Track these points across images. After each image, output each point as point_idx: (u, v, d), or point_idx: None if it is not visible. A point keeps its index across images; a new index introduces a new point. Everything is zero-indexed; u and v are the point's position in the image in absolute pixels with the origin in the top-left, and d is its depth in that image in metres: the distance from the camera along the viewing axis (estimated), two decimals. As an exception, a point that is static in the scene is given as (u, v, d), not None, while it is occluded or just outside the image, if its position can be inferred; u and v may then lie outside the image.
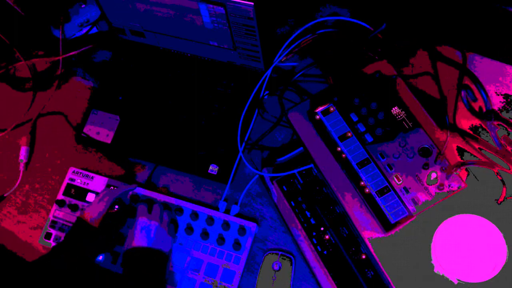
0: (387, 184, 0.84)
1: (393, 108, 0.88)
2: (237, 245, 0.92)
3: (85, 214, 0.88)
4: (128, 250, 0.87)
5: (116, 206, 0.96)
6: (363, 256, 0.87)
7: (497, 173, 0.84)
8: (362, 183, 0.85)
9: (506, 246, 0.80)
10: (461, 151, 0.88)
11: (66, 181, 1.02)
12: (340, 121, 0.89)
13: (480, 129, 0.91)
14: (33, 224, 1.02)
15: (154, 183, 1.01)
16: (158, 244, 0.88)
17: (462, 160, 0.87)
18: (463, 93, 0.90)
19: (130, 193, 0.98)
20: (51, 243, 0.99)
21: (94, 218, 0.87)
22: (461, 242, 0.81)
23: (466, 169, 0.86)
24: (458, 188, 0.82)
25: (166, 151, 1.01)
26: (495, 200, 0.83)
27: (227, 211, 0.96)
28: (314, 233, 0.90)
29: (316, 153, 0.89)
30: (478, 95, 0.88)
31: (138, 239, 0.87)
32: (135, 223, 0.90)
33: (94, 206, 0.89)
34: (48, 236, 0.99)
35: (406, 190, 0.83)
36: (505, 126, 0.89)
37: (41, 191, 1.04)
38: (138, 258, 0.86)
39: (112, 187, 0.99)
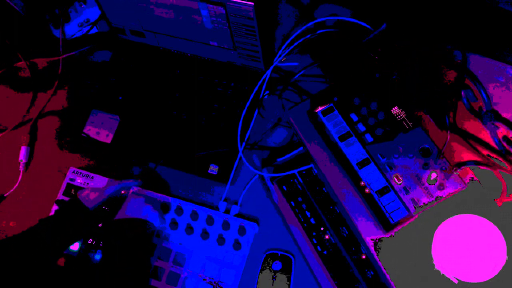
0: (387, 184, 0.84)
1: (393, 108, 0.88)
2: (237, 245, 0.92)
3: (81, 195, 0.90)
4: (115, 219, 0.90)
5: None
6: (363, 256, 0.87)
7: (497, 173, 0.84)
8: (362, 183, 0.85)
9: (506, 246, 0.80)
10: (461, 151, 0.89)
11: (66, 181, 1.02)
12: (340, 121, 0.89)
13: (480, 129, 0.91)
14: (33, 224, 1.02)
15: (154, 183, 1.01)
16: (144, 216, 0.91)
17: (462, 160, 0.87)
18: (463, 93, 0.90)
19: (131, 193, 0.99)
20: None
21: (88, 201, 0.89)
22: (461, 242, 0.81)
23: (472, 171, 0.86)
24: (458, 188, 0.82)
25: (166, 151, 1.01)
26: (495, 200, 0.83)
27: (227, 211, 0.97)
28: (314, 233, 0.90)
29: (316, 153, 0.89)
30: (478, 95, 0.88)
31: (123, 211, 0.90)
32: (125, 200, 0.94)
33: (90, 192, 0.91)
34: (48, 236, 0.99)
35: (406, 190, 0.83)
36: (505, 126, 0.89)
37: (41, 191, 1.04)
38: (123, 224, 0.89)
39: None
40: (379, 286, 0.85)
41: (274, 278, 0.90)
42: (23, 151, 1.06)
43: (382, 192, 0.84)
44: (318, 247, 0.89)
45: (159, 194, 0.98)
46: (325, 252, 0.88)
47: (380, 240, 0.84)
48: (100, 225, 0.97)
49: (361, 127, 0.88)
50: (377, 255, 0.84)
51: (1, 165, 1.08)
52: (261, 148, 1.00)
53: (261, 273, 0.91)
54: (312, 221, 0.90)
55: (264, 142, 1.00)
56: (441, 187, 0.82)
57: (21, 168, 1.05)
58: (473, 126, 0.91)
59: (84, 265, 0.96)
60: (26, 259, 0.80)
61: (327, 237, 0.89)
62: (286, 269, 0.90)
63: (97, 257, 0.95)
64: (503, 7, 0.92)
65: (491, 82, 0.94)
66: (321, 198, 0.91)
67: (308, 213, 0.91)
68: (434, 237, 0.82)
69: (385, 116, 0.88)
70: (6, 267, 0.78)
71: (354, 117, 0.89)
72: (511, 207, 0.83)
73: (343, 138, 0.88)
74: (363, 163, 0.86)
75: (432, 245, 0.82)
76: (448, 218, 0.82)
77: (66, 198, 1.01)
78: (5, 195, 1.04)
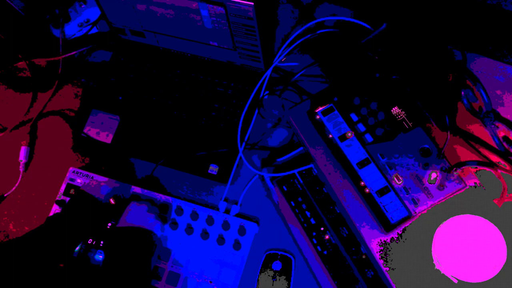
0: (387, 184, 0.84)
1: (393, 108, 0.88)
2: (237, 245, 0.92)
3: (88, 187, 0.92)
4: (116, 227, 0.90)
5: (112, 201, 0.97)
6: (363, 256, 0.87)
7: (497, 173, 0.84)
8: (362, 183, 0.85)
9: (506, 246, 0.80)
10: (461, 151, 0.89)
11: (66, 181, 1.02)
12: (340, 121, 0.89)
13: (480, 129, 0.91)
14: (33, 224, 1.02)
15: (154, 183, 1.01)
16: (146, 224, 0.91)
17: (462, 160, 0.87)
18: (463, 93, 0.90)
19: (131, 192, 0.99)
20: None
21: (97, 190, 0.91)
22: (461, 242, 0.81)
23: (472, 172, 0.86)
24: (458, 188, 0.82)
25: (166, 151, 1.01)
26: (495, 200, 0.83)
27: (227, 211, 0.97)
28: (314, 233, 0.90)
29: (316, 153, 0.89)
30: (478, 95, 0.88)
31: (125, 217, 0.91)
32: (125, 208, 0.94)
33: (97, 183, 0.93)
34: (48, 236, 0.99)
35: (406, 190, 0.83)
36: (505, 126, 0.89)
37: (41, 191, 1.04)
38: (125, 228, 0.89)
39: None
40: (379, 286, 0.85)
41: (274, 278, 0.90)
42: (23, 151, 1.06)
43: (382, 192, 0.84)
44: (318, 247, 0.89)
45: (159, 194, 0.98)
46: (325, 252, 0.88)
47: (380, 240, 0.84)
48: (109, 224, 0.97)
49: (361, 127, 0.88)
50: (377, 255, 0.84)
51: (1, 165, 1.08)
52: (261, 148, 1.00)
53: (261, 273, 0.91)
54: (312, 221, 0.90)
55: (264, 142, 1.00)
56: (441, 187, 0.82)
57: (21, 168, 1.05)
58: (473, 126, 0.91)
59: (84, 266, 0.96)
60: (32, 260, 0.80)
61: (327, 237, 0.89)
62: (286, 269, 0.90)
63: (97, 257, 0.95)
64: (503, 7, 0.92)
65: (491, 82, 0.94)
66: (321, 198, 0.91)
67: (308, 213, 0.91)
68: (434, 237, 0.82)
69: (385, 116, 0.88)
70: (10, 268, 0.78)
71: (354, 117, 0.89)
72: (511, 207, 0.83)
73: (343, 138, 0.88)
74: (363, 163, 0.86)
75: (432, 245, 0.82)
76: (448, 218, 0.82)
77: (66, 198, 1.01)
78: (5, 195, 1.04)
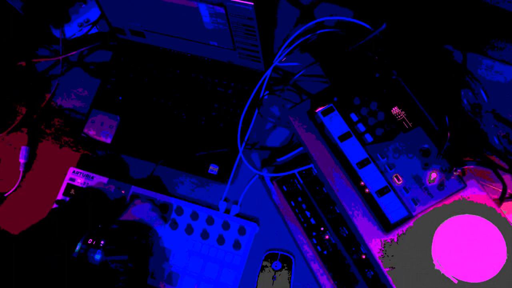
0: (387, 184, 0.84)
1: (393, 108, 0.88)
2: (237, 245, 0.92)
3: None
4: (120, 220, 0.91)
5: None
6: (363, 256, 0.87)
7: (497, 173, 0.84)
8: (361, 183, 0.85)
9: (506, 246, 0.80)
10: (461, 151, 0.88)
11: (66, 181, 1.02)
12: (340, 121, 0.89)
13: (479, 129, 0.91)
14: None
15: (154, 183, 1.01)
16: (148, 221, 0.92)
17: (462, 160, 0.87)
18: (462, 93, 0.90)
19: (131, 192, 0.99)
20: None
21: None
22: (461, 242, 0.81)
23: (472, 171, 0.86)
24: (458, 188, 0.82)
25: (166, 151, 1.01)
26: (495, 200, 0.83)
27: (227, 211, 0.97)
28: (314, 233, 0.90)
29: (316, 153, 0.89)
30: (477, 95, 0.88)
31: (129, 213, 0.91)
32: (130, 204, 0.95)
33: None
34: (48, 236, 0.99)
35: (406, 190, 0.83)
36: (505, 126, 0.89)
37: (41, 191, 1.04)
38: (126, 225, 0.91)
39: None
40: (379, 286, 0.85)
41: (274, 278, 0.90)
42: (23, 151, 1.06)
43: (382, 192, 0.84)
44: (318, 247, 0.89)
45: (159, 194, 0.98)
46: (325, 252, 0.88)
47: (380, 240, 0.84)
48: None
49: (361, 127, 0.88)
50: (377, 255, 0.84)
51: (1, 165, 1.08)
52: (261, 148, 1.00)
53: (261, 273, 0.91)
54: (312, 221, 0.90)
55: (264, 142, 1.00)
56: (441, 187, 0.82)
57: (21, 168, 1.05)
58: (473, 126, 0.91)
59: (82, 265, 0.96)
60: (33, 254, 0.80)
61: (327, 237, 0.89)
62: (286, 269, 0.90)
63: (97, 257, 0.95)
64: (503, 7, 0.92)
65: (491, 82, 0.94)
66: (321, 198, 0.91)
67: (308, 213, 0.91)
68: (434, 237, 0.82)
69: (385, 116, 0.88)
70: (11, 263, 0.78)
71: (354, 117, 0.89)
72: (511, 207, 0.83)
73: (343, 138, 0.88)
74: (363, 163, 0.86)
75: (432, 245, 0.82)
76: (448, 218, 0.82)
77: (66, 198, 1.01)
78: (5, 195, 1.05)
